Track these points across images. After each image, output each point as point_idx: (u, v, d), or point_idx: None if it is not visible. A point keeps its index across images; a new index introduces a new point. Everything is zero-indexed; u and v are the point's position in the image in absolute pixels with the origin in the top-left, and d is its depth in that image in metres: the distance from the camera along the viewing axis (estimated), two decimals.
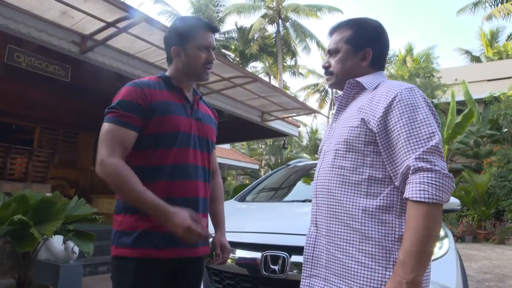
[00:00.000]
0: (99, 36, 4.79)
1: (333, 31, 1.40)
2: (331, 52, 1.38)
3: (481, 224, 11.21)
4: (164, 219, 1.27)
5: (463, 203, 10.97)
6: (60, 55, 4.83)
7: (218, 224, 1.64)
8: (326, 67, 1.39)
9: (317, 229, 1.27)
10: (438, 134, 1.08)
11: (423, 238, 1.00)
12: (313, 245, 1.27)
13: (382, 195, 1.13)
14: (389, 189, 1.13)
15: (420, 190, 1.01)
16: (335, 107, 1.39)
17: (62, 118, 8.42)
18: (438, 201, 1.01)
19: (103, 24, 4.57)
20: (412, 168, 1.05)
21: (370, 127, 1.16)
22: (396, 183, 1.12)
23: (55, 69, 5.06)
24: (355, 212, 1.14)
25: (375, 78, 1.28)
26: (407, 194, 1.05)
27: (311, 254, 1.26)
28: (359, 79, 1.29)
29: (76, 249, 3.76)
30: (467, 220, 11.09)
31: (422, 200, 1.01)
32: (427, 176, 1.02)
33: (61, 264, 3.71)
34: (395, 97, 1.13)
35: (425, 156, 1.04)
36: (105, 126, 1.35)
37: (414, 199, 1.02)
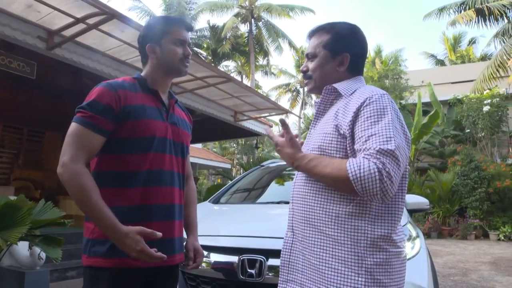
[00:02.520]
0: (68, 32, 4.59)
1: (311, 34, 1.39)
2: (309, 56, 1.37)
3: (445, 220, 11.68)
4: (116, 240, 1.23)
5: (429, 200, 11.35)
6: (25, 51, 4.59)
7: (191, 228, 1.62)
8: (305, 71, 1.38)
9: (293, 234, 1.28)
10: (395, 141, 1.05)
11: (323, 178, 1.15)
12: (289, 250, 1.27)
13: (354, 201, 1.14)
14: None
15: (356, 164, 1.03)
16: (314, 113, 1.39)
17: (26, 116, 8.02)
18: (355, 183, 1.02)
19: (71, 19, 4.39)
20: (365, 151, 1.04)
21: (342, 132, 1.16)
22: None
23: (19, 65, 4.82)
24: (328, 219, 1.15)
25: (352, 84, 1.29)
26: (349, 160, 1.07)
27: (288, 259, 1.27)
28: (335, 85, 1.28)
29: (43, 254, 3.59)
30: (433, 217, 11.52)
31: (349, 171, 1.04)
32: (372, 163, 1.01)
33: (26, 271, 3.53)
34: (363, 102, 1.14)
35: (378, 156, 1.02)
36: (73, 126, 1.30)
37: (347, 166, 1.05)
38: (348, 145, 1.14)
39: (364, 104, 1.13)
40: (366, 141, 1.07)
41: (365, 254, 1.10)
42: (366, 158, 1.03)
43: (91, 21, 4.38)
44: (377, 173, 1.00)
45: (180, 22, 1.52)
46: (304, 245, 1.21)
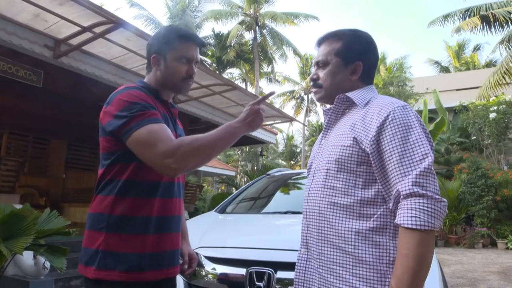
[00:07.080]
0: (74, 41, 4.63)
1: (321, 41, 1.35)
2: (320, 64, 1.32)
3: (452, 229, 11.54)
4: (241, 132, 1.33)
5: None
6: (32, 59, 4.63)
7: (183, 235, 1.61)
8: (315, 80, 1.34)
9: (308, 252, 1.23)
10: (431, 155, 1.05)
11: (415, 265, 0.97)
12: (304, 268, 1.22)
13: (375, 216, 1.10)
14: (382, 210, 1.10)
15: (412, 216, 0.99)
16: (325, 122, 1.35)
17: (32, 124, 8.06)
18: (431, 227, 0.98)
19: (78, 28, 4.42)
20: (403, 193, 1.02)
21: (363, 147, 1.12)
22: (389, 205, 1.09)
23: (26, 73, 4.85)
24: (347, 235, 1.11)
25: (365, 93, 1.25)
26: (398, 220, 1.02)
27: (302, 278, 1.22)
28: (349, 94, 1.25)
29: (48, 263, 3.57)
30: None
31: (414, 227, 0.98)
32: (419, 202, 1.00)
33: (31, 280, 3.51)
34: (387, 116, 1.10)
35: (417, 180, 1.01)
36: (145, 129, 1.21)
37: (406, 225, 0.99)
38: (373, 161, 1.10)
39: (389, 119, 1.10)
40: (400, 163, 1.05)
41: (388, 271, 1.06)
42: (411, 200, 1.01)
43: (97, 30, 4.40)
44: (432, 204, 1.00)
45: (190, 38, 1.45)
46: (320, 263, 1.16)
